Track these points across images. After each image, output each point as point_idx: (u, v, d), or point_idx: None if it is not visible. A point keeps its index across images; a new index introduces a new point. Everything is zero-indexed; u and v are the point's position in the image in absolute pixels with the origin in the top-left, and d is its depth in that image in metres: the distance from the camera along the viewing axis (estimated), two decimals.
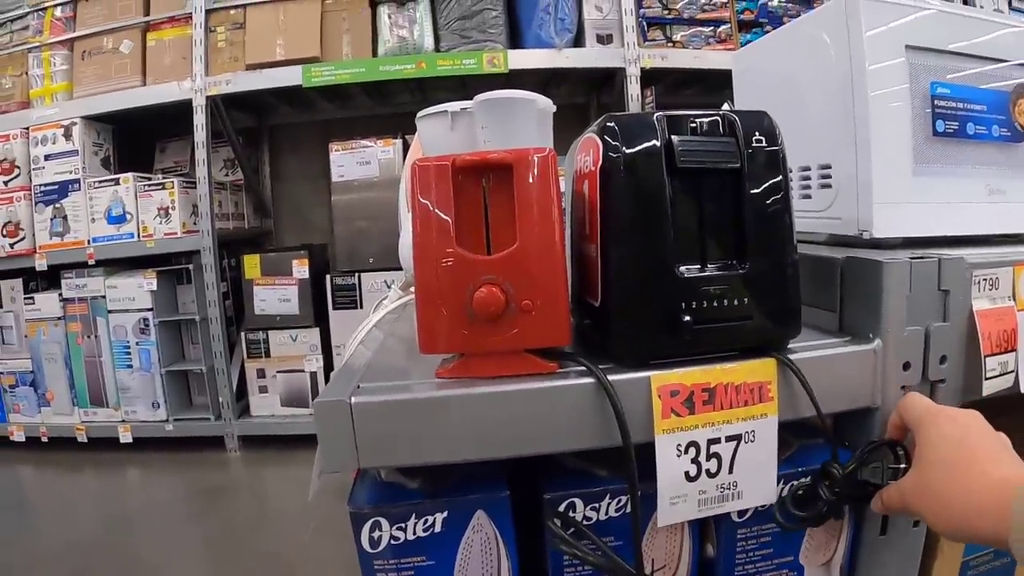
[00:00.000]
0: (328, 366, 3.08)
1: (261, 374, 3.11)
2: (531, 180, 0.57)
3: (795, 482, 0.67)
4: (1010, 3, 3.42)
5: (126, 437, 3.05)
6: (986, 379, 0.70)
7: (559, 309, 0.58)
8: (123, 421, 3.07)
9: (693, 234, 0.60)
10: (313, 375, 3.08)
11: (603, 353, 0.62)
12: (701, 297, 0.59)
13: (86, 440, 3.09)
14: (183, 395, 3.20)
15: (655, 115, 0.60)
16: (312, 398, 3.07)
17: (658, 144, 0.59)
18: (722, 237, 0.61)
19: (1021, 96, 0.86)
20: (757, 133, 0.61)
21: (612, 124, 0.60)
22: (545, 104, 0.73)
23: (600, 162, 0.60)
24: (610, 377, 0.59)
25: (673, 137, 0.59)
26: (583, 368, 0.60)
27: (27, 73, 3.12)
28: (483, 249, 0.58)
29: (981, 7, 3.18)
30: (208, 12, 2.97)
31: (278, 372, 3.10)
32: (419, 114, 0.82)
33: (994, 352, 0.71)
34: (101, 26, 3.05)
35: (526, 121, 0.71)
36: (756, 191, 0.61)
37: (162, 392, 3.05)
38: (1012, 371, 0.72)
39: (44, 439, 3.14)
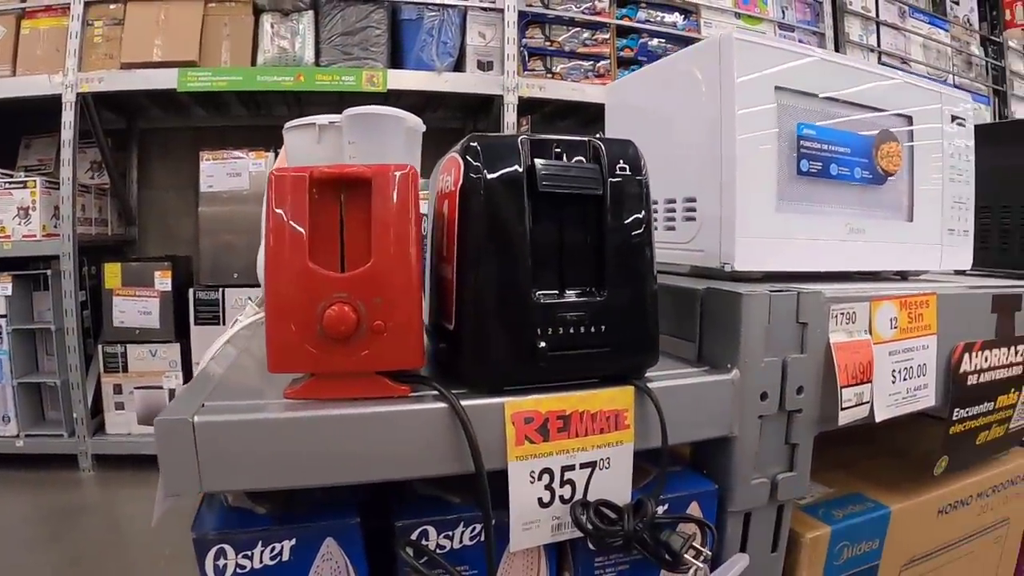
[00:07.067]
0: (188, 383, 2.92)
1: (118, 390, 2.95)
2: (390, 197, 0.55)
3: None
4: (879, 58, 3.68)
5: None
6: (842, 409, 0.73)
7: (412, 331, 0.56)
8: None
9: (552, 260, 0.60)
10: (172, 392, 2.93)
11: (457, 378, 0.61)
12: (557, 324, 0.59)
13: None
14: (36, 409, 2.99)
15: (519, 138, 0.59)
16: None
17: (520, 168, 0.58)
18: (582, 264, 0.61)
19: (884, 141, 0.91)
20: (622, 161, 0.62)
21: (475, 144, 0.59)
22: (414, 122, 0.72)
23: (460, 182, 0.58)
24: (463, 402, 0.57)
25: (536, 161, 0.58)
26: (436, 392, 0.58)
27: None
28: (337, 266, 0.56)
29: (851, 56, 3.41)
30: (87, 4, 2.82)
31: (136, 388, 2.95)
32: (287, 125, 0.80)
33: (850, 383, 0.73)
34: None
35: (394, 138, 0.69)
36: (617, 219, 0.61)
37: (13, 405, 2.84)
38: (867, 402, 0.75)
39: None
